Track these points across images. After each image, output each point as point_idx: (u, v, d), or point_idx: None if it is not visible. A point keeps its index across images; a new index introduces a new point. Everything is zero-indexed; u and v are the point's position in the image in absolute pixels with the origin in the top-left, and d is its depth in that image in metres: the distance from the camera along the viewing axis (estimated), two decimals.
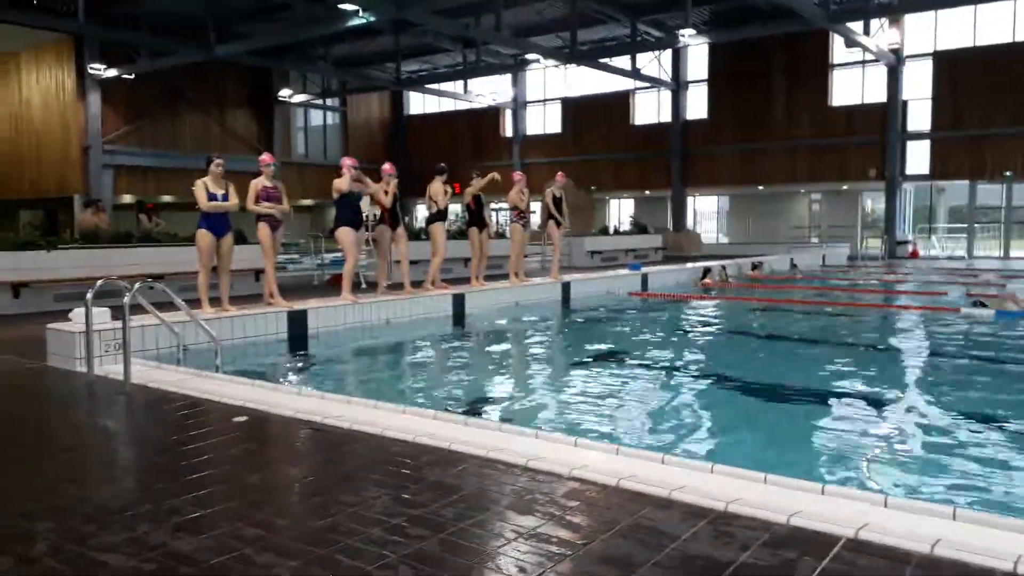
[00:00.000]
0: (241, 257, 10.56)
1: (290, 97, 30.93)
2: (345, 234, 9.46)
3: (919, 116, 25.84)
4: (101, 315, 6.48)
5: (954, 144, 24.88)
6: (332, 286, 13.24)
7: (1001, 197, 25.29)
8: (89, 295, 6.03)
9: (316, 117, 34.93)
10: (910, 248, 26.41)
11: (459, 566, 2.64)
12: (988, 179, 24.71)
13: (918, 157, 26.13)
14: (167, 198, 26.85)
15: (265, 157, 8.85)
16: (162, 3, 21.80)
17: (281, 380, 6.72)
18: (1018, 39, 23.49)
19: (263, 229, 8.72)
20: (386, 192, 10.14)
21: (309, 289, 13.29)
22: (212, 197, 8.15)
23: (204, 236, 8.19)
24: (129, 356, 5.79)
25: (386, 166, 10.38)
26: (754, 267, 18.05)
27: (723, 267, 16.70)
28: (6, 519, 3.17)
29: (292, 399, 5.16)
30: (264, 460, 4.10)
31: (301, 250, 20.24)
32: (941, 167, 25.43)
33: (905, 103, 25.86)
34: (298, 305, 8.80)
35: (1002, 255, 24.90)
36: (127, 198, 25.98)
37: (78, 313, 6.56)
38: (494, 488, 3.43)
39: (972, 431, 5.08)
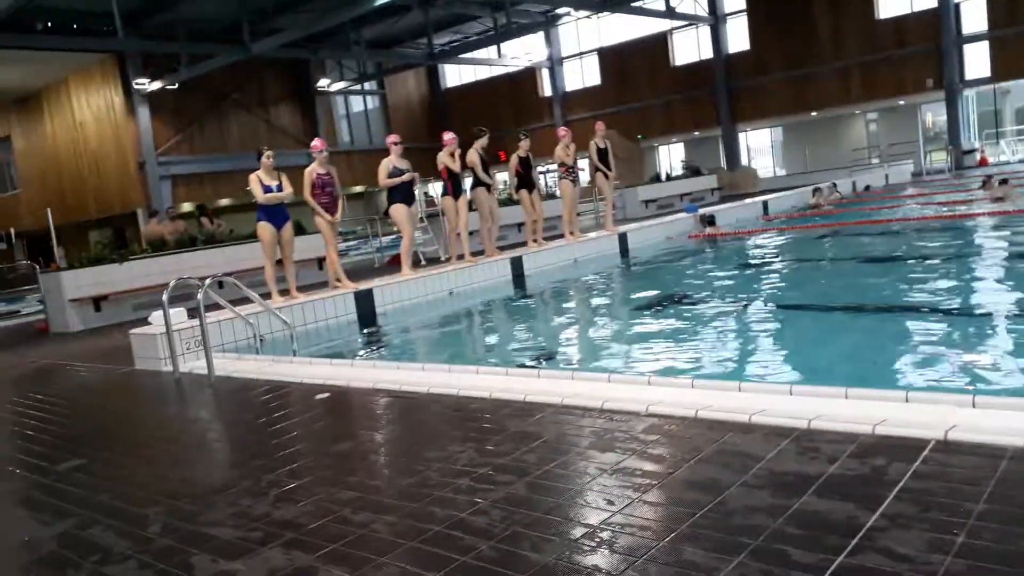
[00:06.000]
0: (302, 247, 10.77)
1: (329, 86, 31.17)
2: (397, 211, 9.59)
3: (973, 17, 24.55)
4: (178, 315, 6.74)
5: (1014, 41, 23.57)
6: (393, 266, 13.43)
7: None
8: (165, 296, 6.28)
9: (356, 103, 35.17)
10: (978, 157, 25.26)
11: (548, 504, 2.70)
12: None
13: (977, 60, 24.88)
14: (224, 201, 27.53)
15: (317, 143, 8.92)
16: (195, 9, 22.14)
17: (356, 357, 6.89)
18: None
19: (320, 218, 8.86)
20: (452, 156, 10.07)
21: (371, 271, 13.52)
22: (267, 189, 8.33)
23: (265, 228, 8.40)
24: (210, 350, 6.02)
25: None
26: (814, 194, 17.63)
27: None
28: (121, 506, 3.36)
29: (369, 372, 5.29)
30: (350, 430, 4.24)
31: (359, 235, 20.49)
32: (1002, 67, 24.17)
33: (957, 5, 24.59)
34: (363, 285, 8.98)
35: None
36: (187, 206, 26.77)
37: (157, 316, 6.83)
38: (573, 432, 3.48)
39: None
